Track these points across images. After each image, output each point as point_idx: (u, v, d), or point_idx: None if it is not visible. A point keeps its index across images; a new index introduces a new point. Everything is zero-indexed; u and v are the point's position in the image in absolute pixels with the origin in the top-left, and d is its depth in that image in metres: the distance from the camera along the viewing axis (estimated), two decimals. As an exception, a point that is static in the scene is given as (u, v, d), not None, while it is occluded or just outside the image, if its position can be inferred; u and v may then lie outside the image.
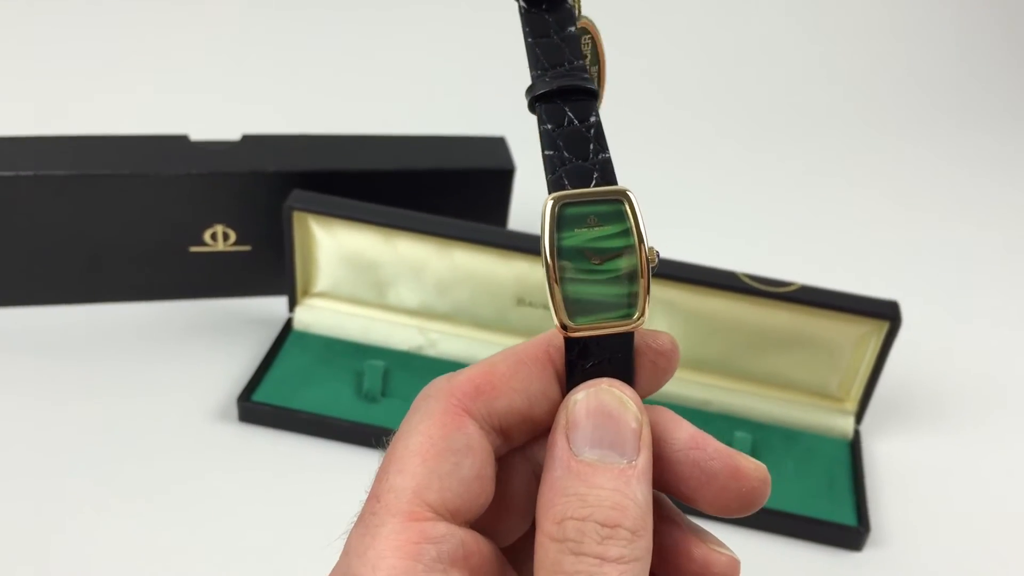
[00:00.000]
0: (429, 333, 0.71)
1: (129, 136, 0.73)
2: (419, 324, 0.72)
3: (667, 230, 0.87)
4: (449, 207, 0.72)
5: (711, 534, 0.28)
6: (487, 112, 0.82)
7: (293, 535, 0.57)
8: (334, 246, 0.70)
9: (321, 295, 0.73)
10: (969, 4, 1.31)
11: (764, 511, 0.62)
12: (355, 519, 0.24)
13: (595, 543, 0.23)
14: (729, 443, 0.65)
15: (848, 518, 0.62)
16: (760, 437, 0.67)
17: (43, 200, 0.69)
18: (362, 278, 0.71)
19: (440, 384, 0.26)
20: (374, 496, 0.24)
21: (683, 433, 0.26)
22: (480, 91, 1.06)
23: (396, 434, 0.25)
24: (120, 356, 0.70)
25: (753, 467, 0.26)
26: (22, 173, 0.67)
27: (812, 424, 0.68)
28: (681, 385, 0.69)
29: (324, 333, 0.72)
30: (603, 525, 0.23)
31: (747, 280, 0.64)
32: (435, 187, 0.74)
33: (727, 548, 0.28)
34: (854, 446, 0.67)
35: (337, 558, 0.24)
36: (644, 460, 0.24)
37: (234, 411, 0.66)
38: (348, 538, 0.24)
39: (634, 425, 0.24)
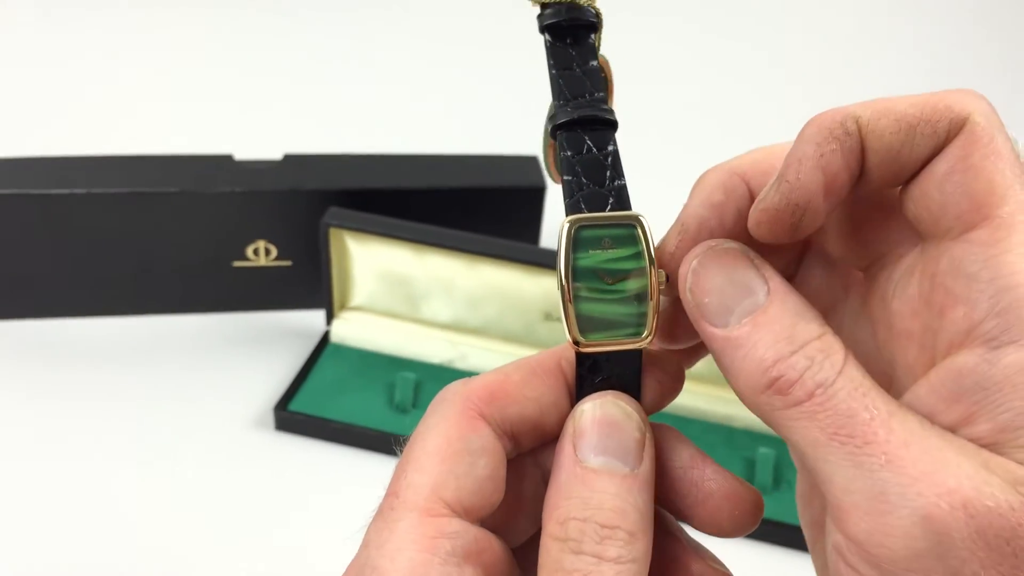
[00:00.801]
0: (460, 347, 0.73)
1: (177, 156, 0.76)
2: (450, 338, 0.74)
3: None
4: (483, 225, 0.74)
5: (709, 551, 0.29)
6: (520, 132, 0.84)
7: (320, 536, 0.59)
8: (369, 261, 0.72)
9: (357, 309, 0.75)
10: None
11: (784, 525, 0.62)
12: (374, 513, 0.26)
13: (594, 542, 0.24)
14: (752, 459, 0.66)
15: (870, 534, 0.63)
16: (783, 453, 0.68)
17: (95, 216, 0.72)
18: (396, 292, 0.73)
19: (456, 388, 0.27)
20: (393, 492, 0.25)
21: (684, 452, 0.28)
22: (514, 111, 1.08)
23: (413, 434, 0.26)
24: (164, 365, 0.73)
25: (748, 491, 0.27)
26: (76, 191, 0.71)
27: (837, 441, 0.69)
28: (705, 400, 0.70)
29: (360, 346, 0.74)
30: (603, 526, 0.24)
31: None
32: (470, 205, 0.77)
33: (724, 566, 0.29)
34: (879, 463, 0.68)
35: (356, 552, 0.25)
36: (646, 469, 0.25)
37: (271, 420, 0.68)
38: (367, 531, 0.25)
39: (637, 435, 0.26)
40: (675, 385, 0.28)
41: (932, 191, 0.23)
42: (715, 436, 0.69)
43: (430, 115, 1.11)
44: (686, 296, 0.25)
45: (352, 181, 0.75)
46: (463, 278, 0.71)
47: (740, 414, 0.70)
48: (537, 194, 0.77)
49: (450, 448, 0.25)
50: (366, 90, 1.14)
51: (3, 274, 0.74)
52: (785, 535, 0.62)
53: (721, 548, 0.61)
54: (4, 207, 0.71)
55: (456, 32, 1.27)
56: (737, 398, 0.73)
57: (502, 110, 1.10)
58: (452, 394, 0.27)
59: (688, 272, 0.25)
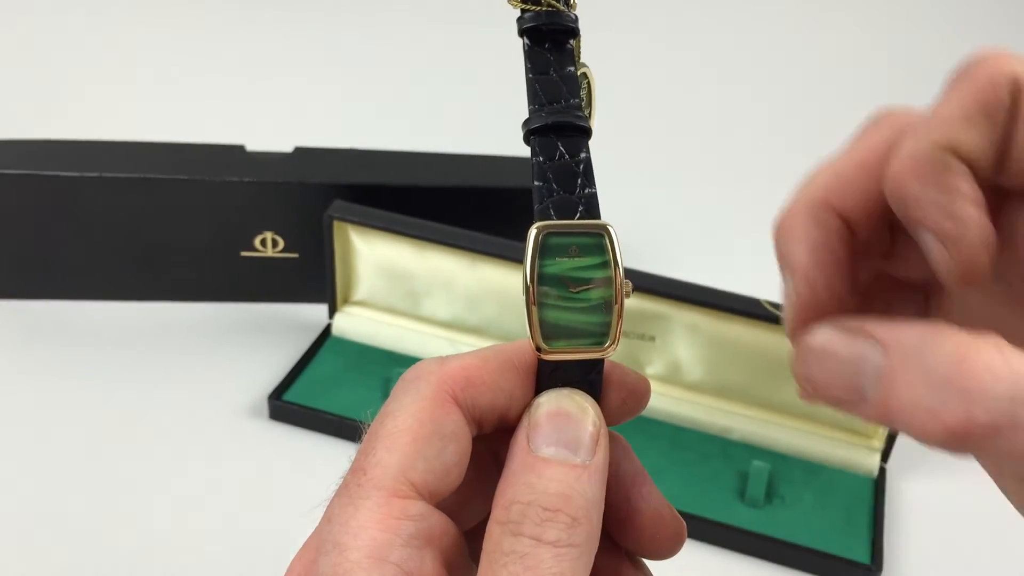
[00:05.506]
0: (459, 345, 0.73)
1: (190, 144, 0.77)
2: (450, 336, 0.73)
3: (694, 255, 0.88)
4: (487, 224, 0.74)
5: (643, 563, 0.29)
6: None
7: (301, 524, 0.59)
8: (372, 256, 0.72)
9: (359, 303, 0.75)
10: None
11: (776, 541, 0.61)
12: (338, 488, 0.25)
13: (534, 524, 0.23)
14: (745, 472, 0.65)
15: (862, 555, 0.61)
16: (780, 467, 0.66)
17: (107, 200, 0.73)
18: (397, 288, 0.73)
19: (431, 367, 0.26)
20: (360, 468, 0.25)
21: (628, 466, 0.28)
22: (524, 113, 1.08)
23: (383, 410, 0.26)
24: (165, 352, 0.74)
25: (673, 518, 0.28)
26: (88, 174, 0.72)
27: (836, 458, 0.67)
28: (703, 411, 0.69)
29: (360, 340, 0.74)
30: (545, 509, 0.24)
31: (770, 307, 0.63)
32: (475, 204, 0.76)
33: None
34: (878, 484, 0.66)
35: (317, 524, 0.25)
36: (598, 461, 0.25)
37: (265, 409, 0.69)
38: (330, 506, 0.25)
39: (591, 429, 0.25)
40: (636, 406, 0.28)
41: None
42: (711, 447, 0.68)
43: (440, 113, 1.11)
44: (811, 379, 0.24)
45: (360, 176, 0.75)
46: (464, 277, 0.70)
47: (738, 426, 0.68)
48: (546, 196, 0.77)
49: (422, 430, 0.25)
50: (381, 87, 1.15)
51: (14, 254, 0.76)
52: (777, 551, 0.61)
53: (711, 562, 0.60)
54: (18, 187, 0.72)
55: (471, 31, 1.27)
56: (735, 409, 0.71)
57: (512, 111, 1.09)
58: (427, 373, 0.26)
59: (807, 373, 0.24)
